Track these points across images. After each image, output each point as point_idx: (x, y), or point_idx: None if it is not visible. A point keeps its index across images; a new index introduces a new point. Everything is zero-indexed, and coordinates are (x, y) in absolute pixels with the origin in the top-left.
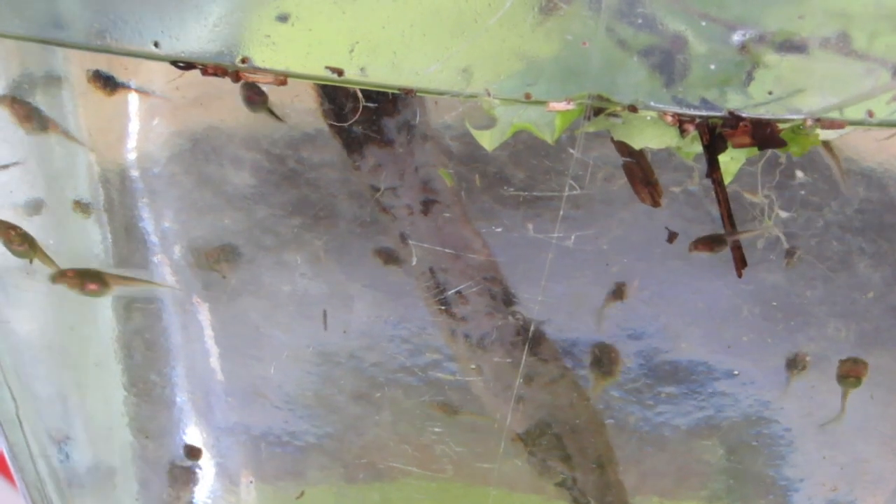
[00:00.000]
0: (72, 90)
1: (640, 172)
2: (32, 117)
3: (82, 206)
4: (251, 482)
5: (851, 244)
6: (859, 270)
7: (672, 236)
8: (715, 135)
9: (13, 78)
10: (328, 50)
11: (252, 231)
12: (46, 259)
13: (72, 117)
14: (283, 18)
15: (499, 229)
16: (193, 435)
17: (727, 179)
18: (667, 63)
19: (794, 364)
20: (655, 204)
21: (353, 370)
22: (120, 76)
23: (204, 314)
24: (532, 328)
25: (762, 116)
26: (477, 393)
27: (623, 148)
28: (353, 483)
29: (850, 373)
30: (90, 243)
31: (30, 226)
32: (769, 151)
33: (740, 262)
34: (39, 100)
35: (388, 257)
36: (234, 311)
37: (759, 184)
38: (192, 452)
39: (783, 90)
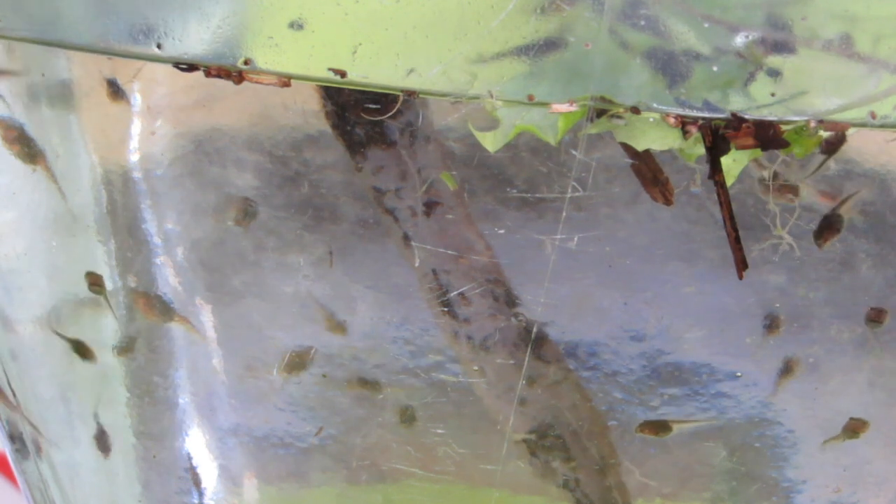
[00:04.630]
0: (74, 92)
1: (649, 172)
2: (20, 142)
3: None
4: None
5: (854, 246)
6: (862, 272)
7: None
8: (717, 136)
9: (15, 79)
10: (331, 52)
11: (255, 232)
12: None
13: (74, 119)
14: (294, 26)
15: (501, 231)
16: (196, 436)
17: (729, 181)
18: (669, 65)
19: (797, 365)
20: (668, 202)
21: (356, 372)
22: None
23: (206, 316)
24: (535, 330)
25: (765, 118)
26: (479, 395)
27: (630, 149)
28: (355, 484)
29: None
30: (93, 247)
31: (32, 229)
32: (779, 157)
33: (741, 265)
34: (42, 101)
35: None
36: (236, 313)
37: (770, 187)
38: None
39: (786, 92)
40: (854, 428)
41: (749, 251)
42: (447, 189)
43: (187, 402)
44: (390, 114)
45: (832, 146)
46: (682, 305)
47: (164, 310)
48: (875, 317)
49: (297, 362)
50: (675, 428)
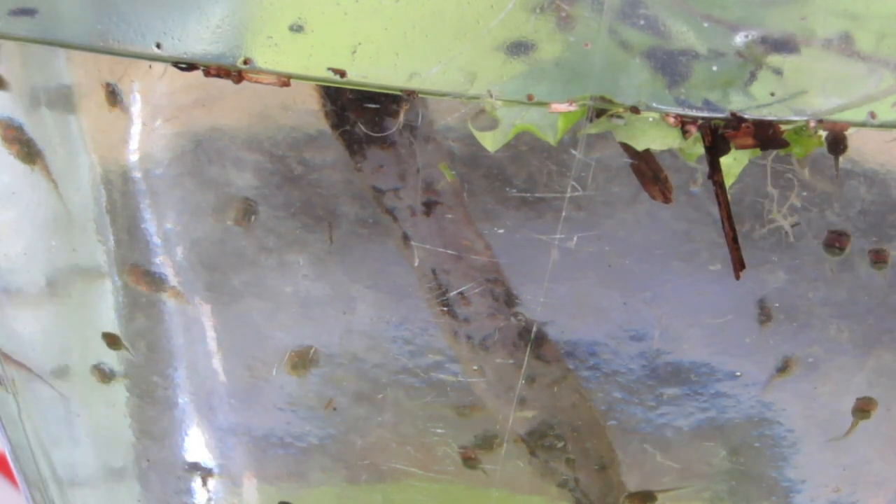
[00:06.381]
0: (74, 92)
1: (649, 171)
2: (19, 142)
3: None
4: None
5: (854, 245)
6: (861, 272)
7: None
8: (717, 136)
9: (16, 79)
10: (330, 51)
11: (254, 232)
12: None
13: (74, 119)
14: (293, 26)
15: (501, 230)
16: (195, 436)
17: (729, 181)
18: (669, 64)
19: (795, 364)
20: (667, 200)
21: (356, 371)
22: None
23: (206, 315)
24: (534, 329)
25: (765, 118)
26: (479, 394)
27: (630, 149)
28: (355, 484)
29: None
30: (92, 247)
31: (32, 228)
32: (774, 155)
33: (738, 265)
34: (42, 102)
35: None
36: (236, 313)
37: (768, 180)
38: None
39: (786, 91)
40: (863, 407)
41: (748, 248)
42: (447, 189)
43: (187, 402)
44: (398, 122)
45: (836, 146)
46: (682, 305)
47: (156, 281)
48: (834, 241)
49: (297, 362)
50: (661, 497)
